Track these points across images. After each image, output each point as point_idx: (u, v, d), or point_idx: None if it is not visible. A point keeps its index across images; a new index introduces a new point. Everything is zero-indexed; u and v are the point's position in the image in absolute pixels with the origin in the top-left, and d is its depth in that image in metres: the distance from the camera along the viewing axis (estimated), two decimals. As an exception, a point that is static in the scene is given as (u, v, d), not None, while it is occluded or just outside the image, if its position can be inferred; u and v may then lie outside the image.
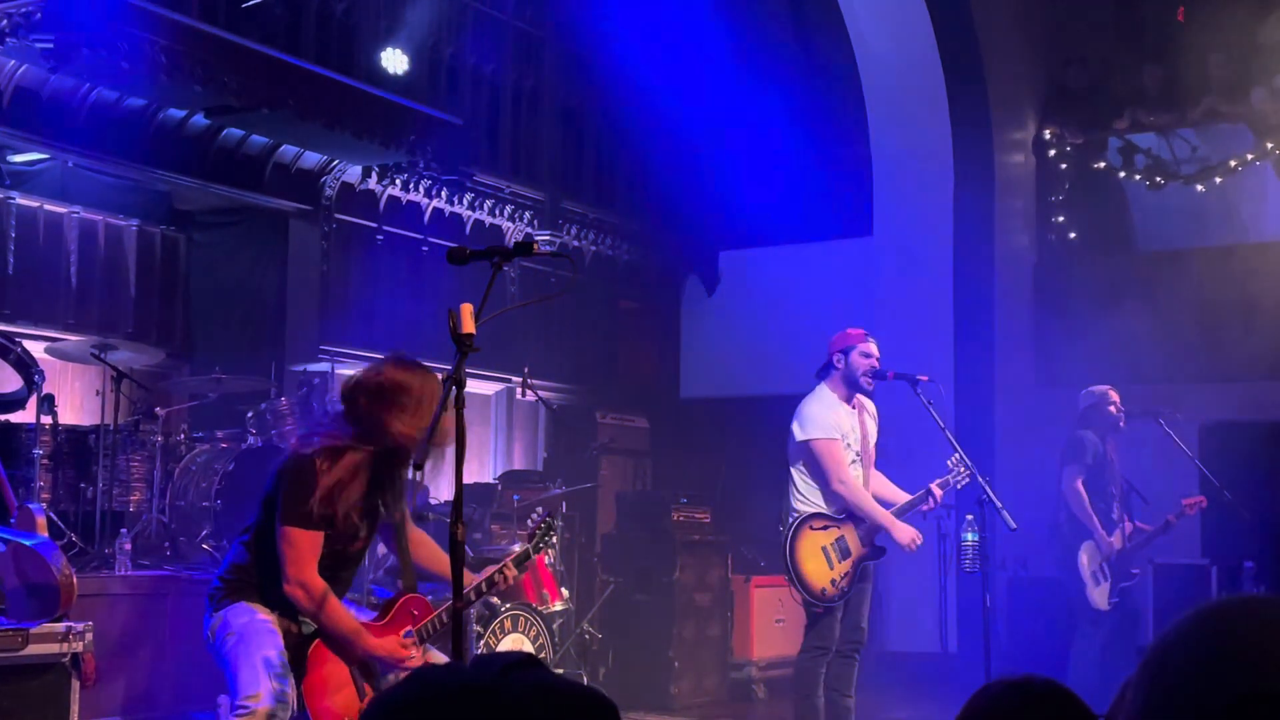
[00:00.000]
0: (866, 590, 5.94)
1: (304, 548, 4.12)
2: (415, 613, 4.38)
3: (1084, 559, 7.44)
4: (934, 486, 5.98)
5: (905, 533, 5.81)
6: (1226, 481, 8.01)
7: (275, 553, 4.15)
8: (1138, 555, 7.71)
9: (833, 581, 5.79)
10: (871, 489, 6.01)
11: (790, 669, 8.89)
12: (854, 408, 6.02)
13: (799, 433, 5.91)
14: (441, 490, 8.68)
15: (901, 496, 6.05)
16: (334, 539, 4.21)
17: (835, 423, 5.87)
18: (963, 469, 5.93)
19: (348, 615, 4.24)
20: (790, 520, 5.88)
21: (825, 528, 5.82)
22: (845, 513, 5.86)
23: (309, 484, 4.12)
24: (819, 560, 5.80)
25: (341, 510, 4.17)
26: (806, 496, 5.89)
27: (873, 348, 6.01)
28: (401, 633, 4.30)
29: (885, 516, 5.82)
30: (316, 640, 4.18)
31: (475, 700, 1.01)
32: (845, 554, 5.83)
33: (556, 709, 1.03)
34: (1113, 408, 7.70)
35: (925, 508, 6.02)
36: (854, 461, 5.95)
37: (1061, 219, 11.28)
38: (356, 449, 4.20)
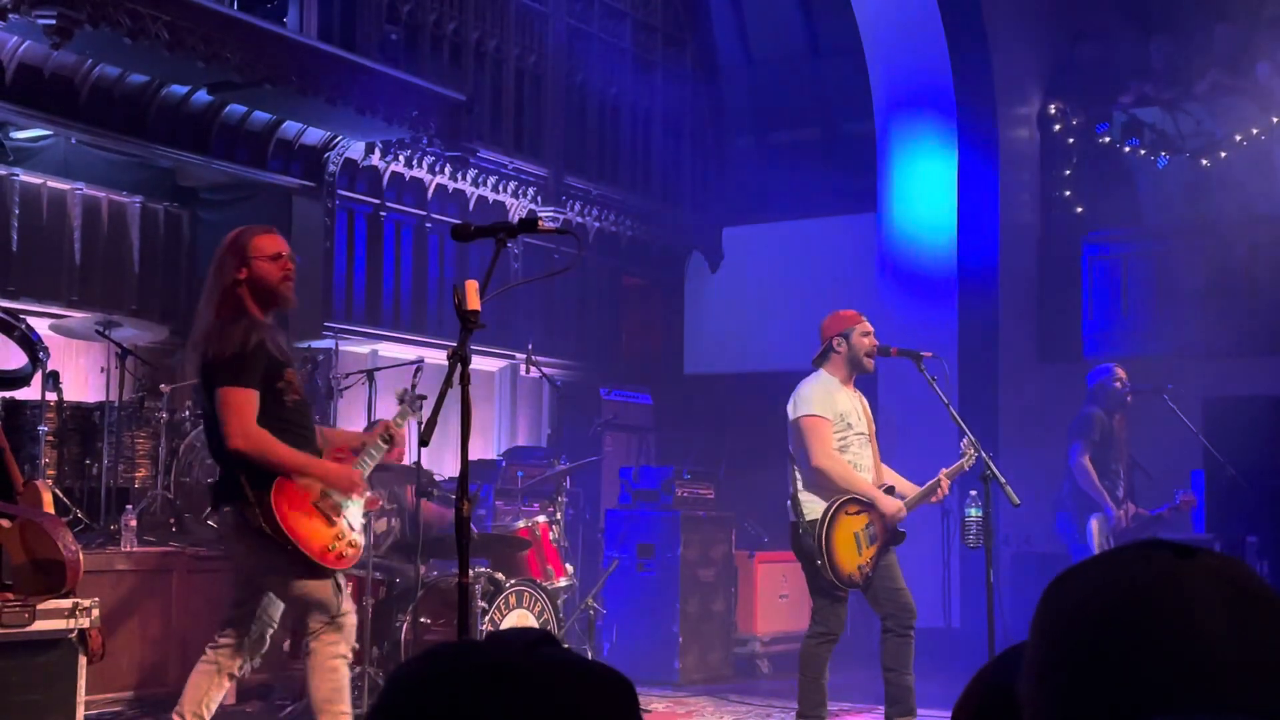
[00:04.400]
0: (891, 565, 5.90)
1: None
2: (340, 457, 4.86)
3: (1094, 529, 7.45)
4: (943, 475, 5.95)
5: (889, 505, 5.81)
6: (1230, 456, 8.02)
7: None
8: (1139, 536, 7.72)
9: (859, 567, 5.78)
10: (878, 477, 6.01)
11: (794, 644, 8.93)
12: (852, 392, 6.01)
13: (791, 412, 5.91)
14: (446, 466, 8.72)
15: (910, 488, 6.03)
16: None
17: (830, 403, 5.85)
18: (971, 450, 5.91)
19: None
20: (811, 504, 5.82)
21: (858, 513, 5.81)
22: (870, 498, 5.85)
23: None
24: (850, 546, 5.78)
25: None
26: (805, 479, 5.87)
27: (870, 326, 6.01)
28: (351, 462, 4.82)
29: (870, 489, 5.81)
30: (278, 479, 4.58)
31: (497, 678, 1.01)
32: (872, 539, 5.83)
33: (577, 687, 1.03)
34: (1118, 384, 7.71)
35: (935, 499, 6.01)
36: (857, 441, 5.91)
37: (1066, 194, 11.25)
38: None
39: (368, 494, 4.87)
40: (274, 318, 4.77)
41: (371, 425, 5.29)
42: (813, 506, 5.81)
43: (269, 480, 4.56)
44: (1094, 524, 7.47)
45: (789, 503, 5.93)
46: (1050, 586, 1.12)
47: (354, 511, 4.81)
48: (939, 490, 5.95)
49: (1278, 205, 10.42)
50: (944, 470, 5.97)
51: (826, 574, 5.74)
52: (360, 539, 4.82)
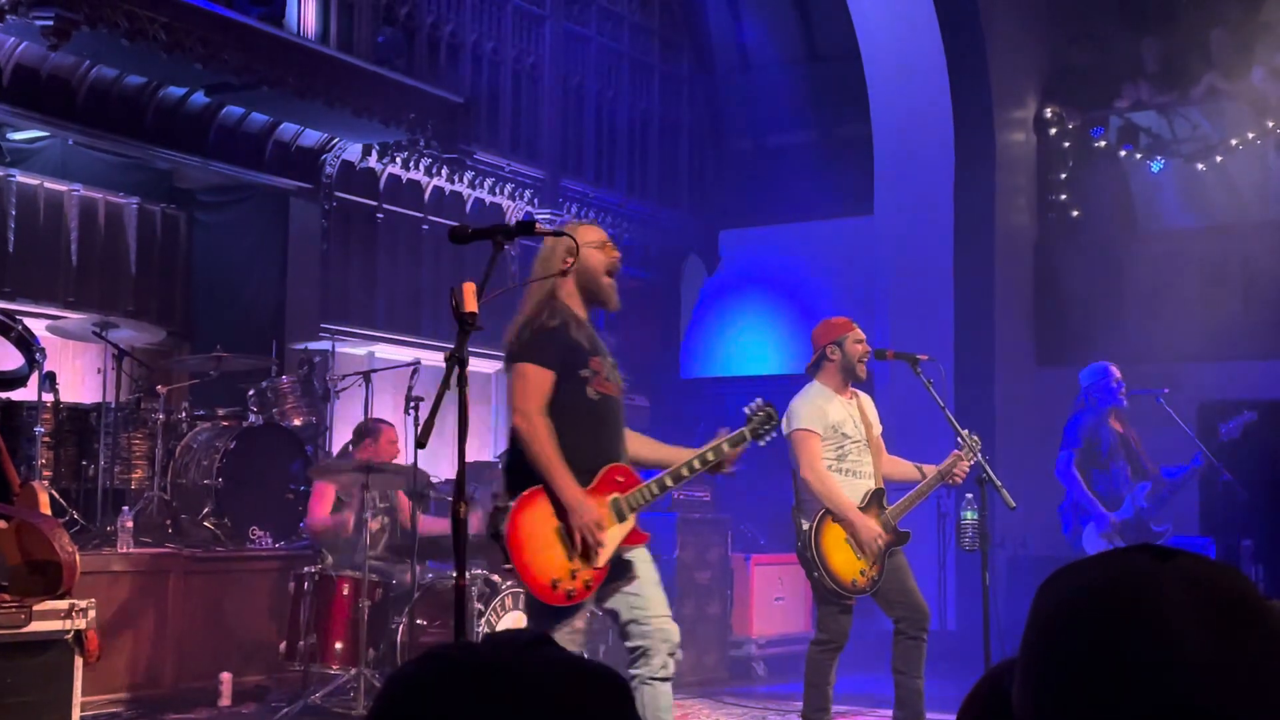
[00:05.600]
0: (901, 567, 5.86)
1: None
2: (620, 479, 4.39)
3: (1088, 538, 7.46)
4: (958, 456, 5.86)
5: (865, 531, 5.73)
6: (1226, 460, 8.02)
7: None
8: (1164, 511, 7.67)
9: (861, 572, 5.73)
10: (886, 470, 5.98)
11: (790, 646, 8.94)
12: (849, 398, 5.99)
13: (784, 427, 5.89)
14: (443, 468, 8.71)
15: (926, 470, 5.97)
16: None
17: (819, 416, 5.83)
18: (968, 445, 5.88)
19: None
20: (809, 513, 5.81)
21: None
22: (866, 500, 5.82)
23: None
24: (845, 552, 5.73)
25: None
26: (802, 492, 5.86)
27: (862, 334, 5.99)
28: (608, 499, 4.32)
29: (848, 509, 5.75)
30: (537, 487, 4.18)
31: (493, 679, 1.02)
32: None
33: (573, 688, 1.04)
34: (1113, 382, 7.71)
35: (953, 480, 5.89)
36: (855, 450, 5.89)
37: (1063, 197, 11.27)
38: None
39: (628, 529, 4.35)
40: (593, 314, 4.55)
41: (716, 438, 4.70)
42: (807, 518, 5.80)
43: (524, 487, 4.20)
44: (1086, 536, 7.47)
45: (792, 514, 5.92)
46: (1038, 590, 1.12)
47: (607, 550, 4.26)
48: (955, 475, 5.86)
49: (1273, 209, 10.44)
50: (956, 453, 5.88)
51: (827, 583, 5.71)
52: (594, 579, 4.24)
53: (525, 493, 4.17)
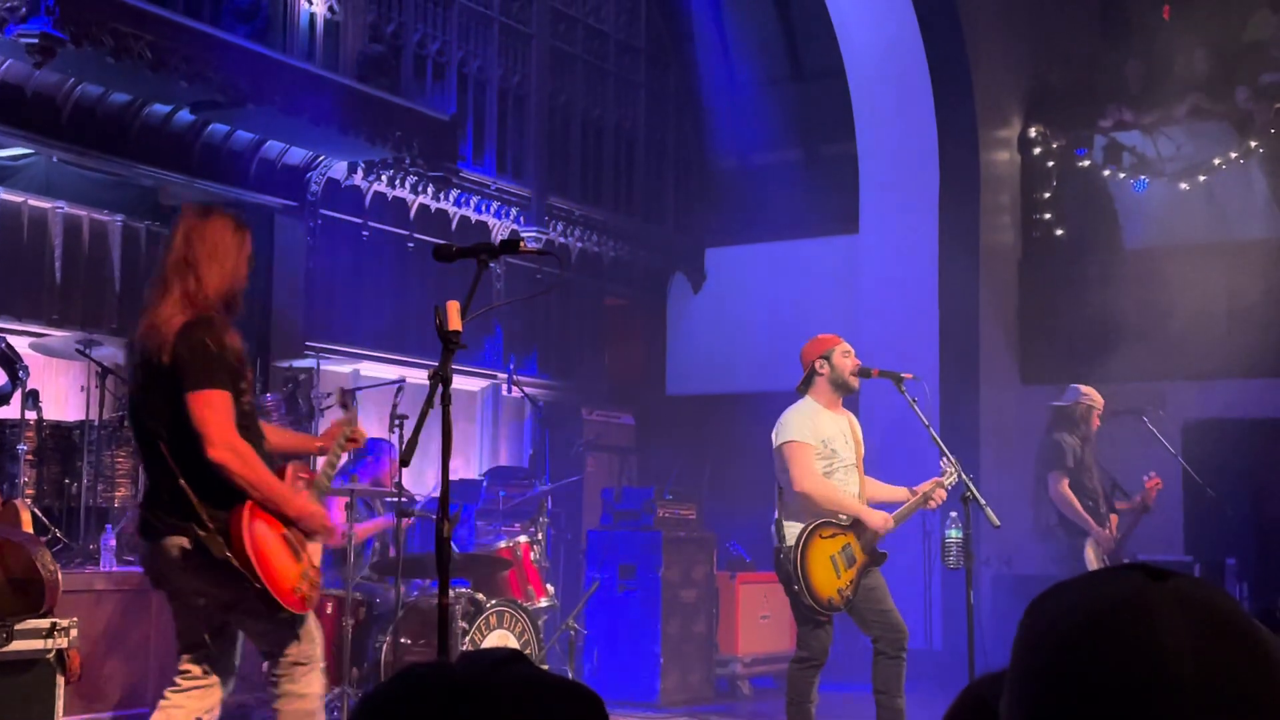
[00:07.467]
0: (877, 587, 5.87)
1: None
2: (303, 476, 4.45)
3: (1090, 554, 7.45)
4: (936, 485, 5.89)
5: (874, 519, 5.77)
6: (1209, 479, 8.05)
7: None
8: (1126, 546, 7.72)
9: (839, 590, 5.75)
10: (868, 494, 5.99)
11: (776, 665, 8.93)
12: (839, 415, 5.99)
13: (775, 440, 5.90)
14: (426, 486, 8.70)
15: (901, 494, 6.00)
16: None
17: (813, 429, 5.84)
18: (951, 469, 5.90)
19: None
20: (793, 529, 5.80)
21: (833, 535, 5.78)
22: (850, 520, 5.83)
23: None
24: (827, 569, 5.75)
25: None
26: (788, 505, 5.86)
27: (850, 347, 6.01)
28: (306, 490, 4.38)
29: (856, 507, 5.78)
30: (247, 503, 4.08)
31: (464, 698, 1.02)
32: (851, 561, 5.79)
33: (545, 705, 1.04)
34: (1087, 406, 7.71)
35: (931, 504, 5.94)
36: (842, 469, 5.89)
37: (1047, 216, 11.32)
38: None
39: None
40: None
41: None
42: (792, 531, 5.80)
43: (228, 502, 4.03)
44: (1089, 549, 7.47)
45: (772, 528, 5.92)
46: (1028, 608, 1.12)
47: (316, 546, 4.36)
48: (933, 500, 5.89)
49: (1256, 229, 10.49)
50: (936, 479, 5.90)
51: (805, 598, 5.72)
52: (320, 579, 4.37)
53: (244, 507, 4.05)
